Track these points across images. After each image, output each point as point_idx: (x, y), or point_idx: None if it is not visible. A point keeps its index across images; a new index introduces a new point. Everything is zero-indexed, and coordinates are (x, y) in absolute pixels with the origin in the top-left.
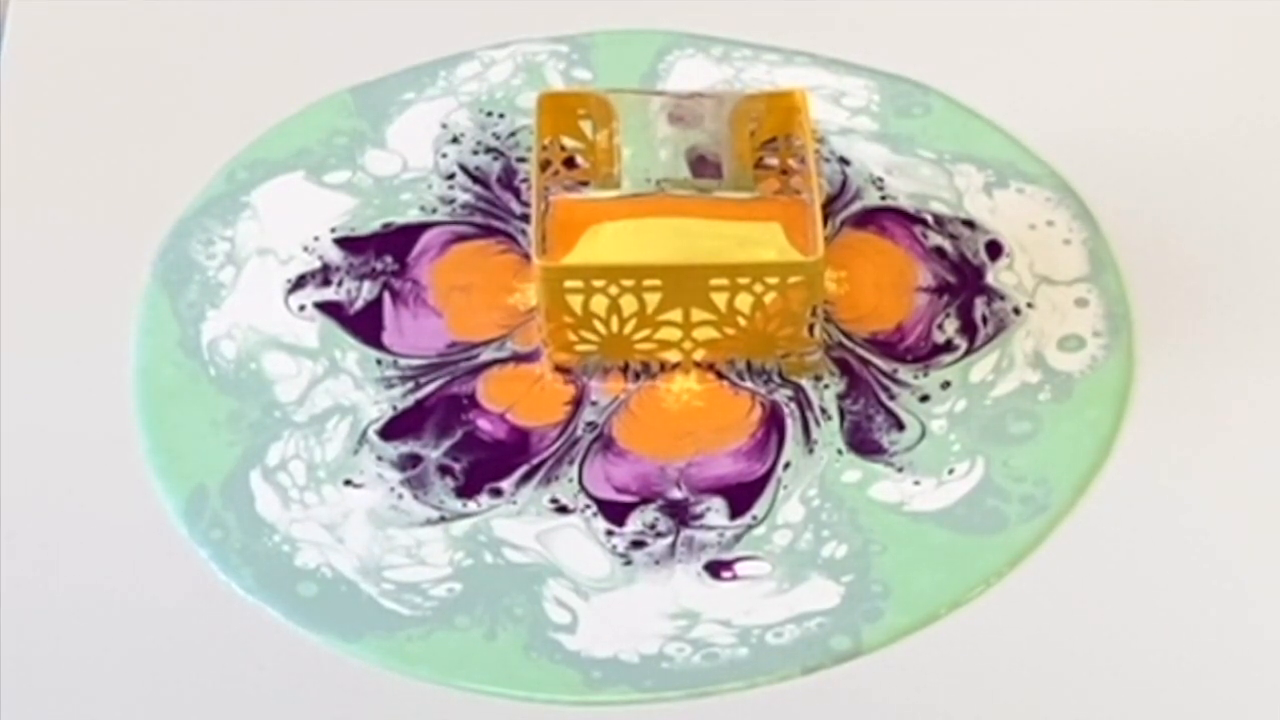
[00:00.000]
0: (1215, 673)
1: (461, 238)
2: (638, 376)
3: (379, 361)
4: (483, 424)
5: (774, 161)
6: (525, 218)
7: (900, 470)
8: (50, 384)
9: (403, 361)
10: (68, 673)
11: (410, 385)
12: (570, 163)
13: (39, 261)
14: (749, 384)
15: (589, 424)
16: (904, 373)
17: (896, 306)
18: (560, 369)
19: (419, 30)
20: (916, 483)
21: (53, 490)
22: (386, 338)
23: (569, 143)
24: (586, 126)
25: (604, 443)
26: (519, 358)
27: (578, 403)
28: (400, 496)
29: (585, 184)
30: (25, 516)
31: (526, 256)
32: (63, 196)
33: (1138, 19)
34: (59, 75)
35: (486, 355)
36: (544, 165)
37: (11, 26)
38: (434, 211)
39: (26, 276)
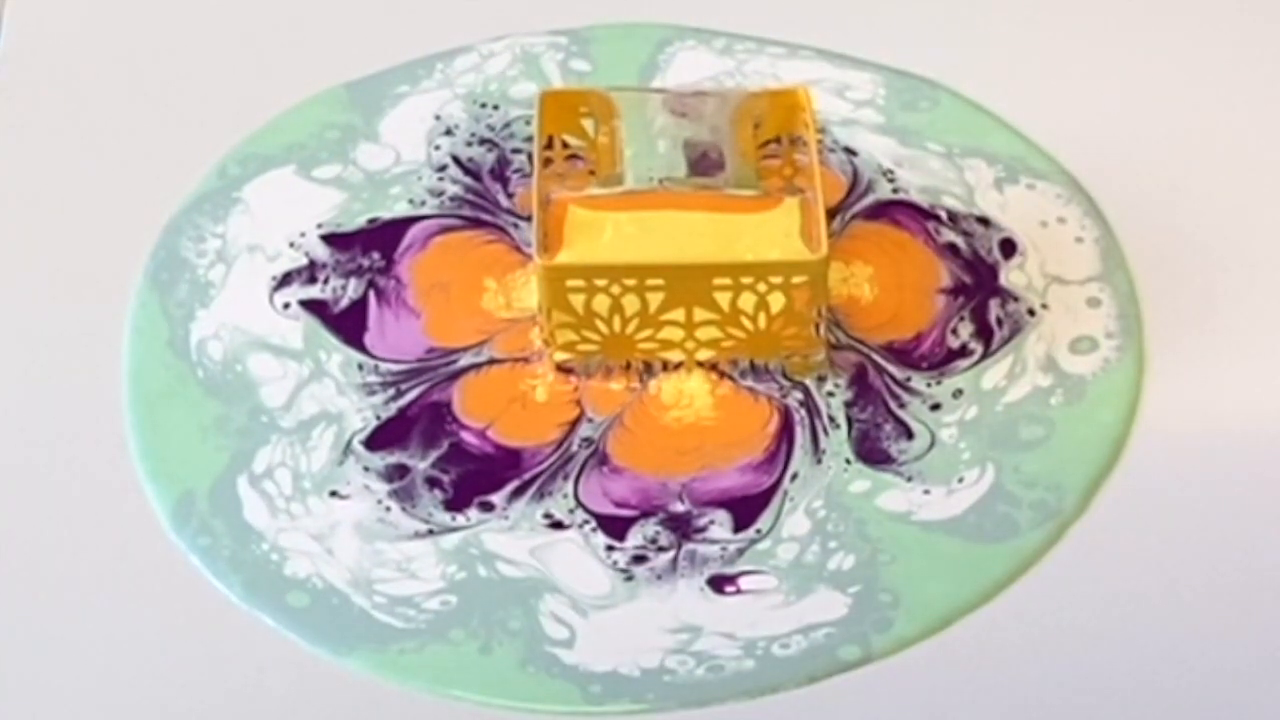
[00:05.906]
0: (1227, 676)
1: (447, 230)
2: (639, 376)
3: (360, 366)
4: (466, 437)
5: (777, 159)
6: (513, 212)
7: (909, 479)
8: (43, 384)
9: (383, 366)
10: (57, 676)
11: (391, 392)
12: (572, 160)
13: (33, 259)
14: (762, 389)
15: (584, 439)
16: (917, 380)
17: (917, 311)
18: (562, 369)
19: (417, 25)
20: (926, 491)
21: (43, 491)
22: (368, 339)
23: (570, 140)
24: (588, 124)
25: (600, 458)
26: (497, 363)
27: (574, 421)
28: (388, 509)
29: (587, 182)
30: (20, 516)
31: (514, 248)
32: (56, 193)
33: (1144, 14)
34: (53, 71)
35: (465, 361)
36: (545, 163)
37: (7, 24)
38: (422, 204)
39: (20, 274)
